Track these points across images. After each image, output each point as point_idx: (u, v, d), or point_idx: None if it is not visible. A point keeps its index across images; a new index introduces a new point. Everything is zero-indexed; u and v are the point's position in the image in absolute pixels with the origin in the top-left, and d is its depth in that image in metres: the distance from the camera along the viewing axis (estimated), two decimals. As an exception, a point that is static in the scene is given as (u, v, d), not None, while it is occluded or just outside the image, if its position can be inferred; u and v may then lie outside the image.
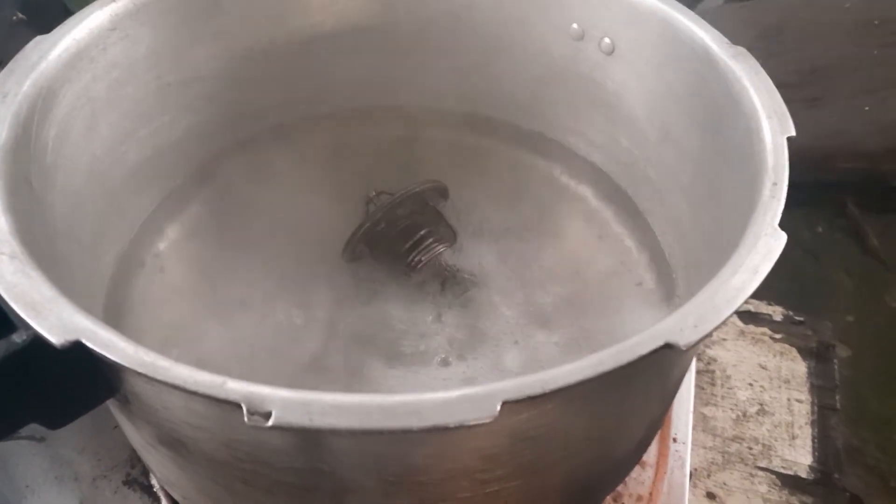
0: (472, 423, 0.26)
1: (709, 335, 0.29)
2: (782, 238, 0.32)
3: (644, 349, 0.28)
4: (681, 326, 0.28)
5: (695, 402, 0.63)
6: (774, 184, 0.35)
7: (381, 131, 0.59)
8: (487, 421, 0.26)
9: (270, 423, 0.26)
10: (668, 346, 0.28)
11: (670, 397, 0.43)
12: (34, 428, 0.49)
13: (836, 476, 0.61)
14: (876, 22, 0.99)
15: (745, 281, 0.31)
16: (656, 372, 0.34)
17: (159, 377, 0.27)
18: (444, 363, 0.45)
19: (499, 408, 0.26)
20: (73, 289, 0.32)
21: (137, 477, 0.49)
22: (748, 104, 0.39)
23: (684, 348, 0.28)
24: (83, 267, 0.45)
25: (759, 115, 0.39)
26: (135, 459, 0.49)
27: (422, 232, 0.50)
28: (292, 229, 0.52)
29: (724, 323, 0.29)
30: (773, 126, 0.38)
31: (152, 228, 0.53)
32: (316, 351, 0.46)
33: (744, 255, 0.32)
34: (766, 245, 0.32)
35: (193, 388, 0.27)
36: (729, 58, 0.42)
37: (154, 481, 0.48)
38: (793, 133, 0.37)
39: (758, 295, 0.78)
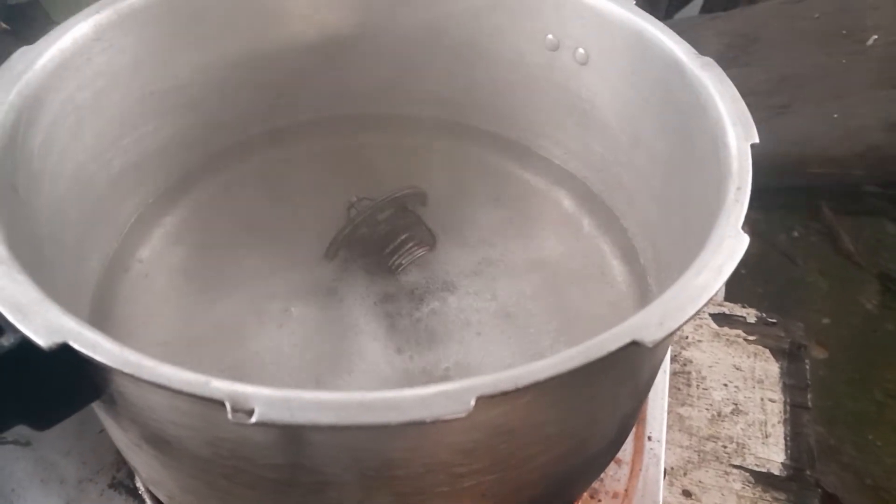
0: (447, 417, 0.27)
1: (674, 333, 0.30)
2: (745, 240, 0.34)
3: (612, 346, 0.29)
4: (647, 324, 0.30)
5: (671, 403, 0.65)
6: (738, 188, 0.36)
7: (361, 139, 0.60)
8: (462, 415, 0.27)
9: (253, 419, 0.27)
10: (634, 344, 0.29)
11: (643, 394, 0.45)
12: (19, 432, 0.50)
13: (808, 473, 0.62)
14: (843, 32, 1.02)
15: (710, 281, 0.32)
16: (626, 368, 0.35)
17: (145, 377, 0.28)
18: (422, 363, 0.46)
19: (473, 403, 0.27)
20: (58, 293, 0.32)
21: (123, 480, 0.49)
22: (714, 112, 0.41)
23: (650, 345, 0.29)
24: (69, 272, 0.46)
25: (725, 122, 0.40)
26: (120, 462, 0.49)
27: (402, 236, 0.51)
28: (275, 235, 0.53)
29: (688, 321, 0.31)
30: (737, 133, 0.39)
31: (137, 234, 0.53)
32: (298, 352, 0.47)
33: (708, 256, 0.33)
34: (729, 246, 0.34)
35: (178, 387, 0.28)
36: (696, 67, 0.43)
37: (139, 484, 0.48)
38: (756, 140, 0.39)
39: (733, 297, 0.80)
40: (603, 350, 0.29)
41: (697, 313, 0.31)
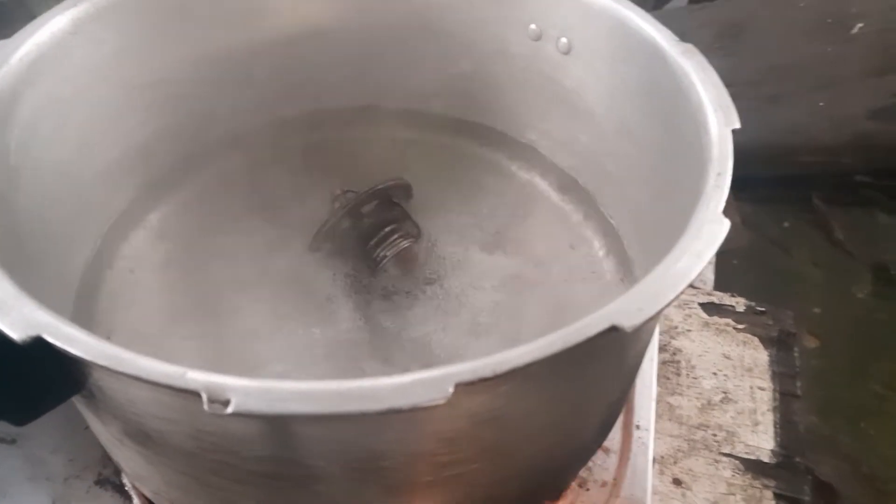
0: (426, 404, 0.27)
1: (653, 318, 0.30)
2: (725, 224, 0.34)
3: (591, 331, 0.29)
4: (626, 309, 0.30)
5: (661, 392, 0.65)
6: (719, 174, 0.36)
7: (346, 132, 0.60)
8: (441, 402, 0.27)
9: (230, 409, 0.26)
10: (614, 329, 0.29)
11: (627, 381, 0.45)
12: (5, 430, 0.50)
13: (798, 460, 0.63)
14: (829, 20, 1.02)
15: (690, 266, 0.32)
16: (607, 354, 0.35)
17: (121, 369, 0.28)
18: (405, 355, 0.46)
19: (451, 390, 0.27)
20: (42, 290, 0.32)
21: (109, 476, 0.49)
22: (696, 98, 0.41)
23: (629, 330, 0.29)
24: (52, 268, 0.46)
25: (706, 108, 0.40)
26: (106, 459, 0.49)
27: (386, 228, 0.51)
28: (260, 229, 0.52)
29: (667, 306, 0.31)
30: (718, 119, 0.39)
31: (122, 230, 0.53)
32: (282, 347, 0.46)
33: (688, 242, 0.33)
34: (710, 232, 0.33)
35: (155, 378, 0.27)
36: (678, 54, 0.43)
37: (126, 480, 0.48)
38: (737, 125, 0.39)
39: (726, 288, 0.79)
40: (582, 335, 0.28)
41: (676, 298, 0.31)
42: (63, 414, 0.33)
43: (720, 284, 0.80)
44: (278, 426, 0.30)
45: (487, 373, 0.28)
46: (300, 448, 0.31)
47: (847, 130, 1.04)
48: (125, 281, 0.51)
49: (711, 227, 0.34)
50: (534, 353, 0.28)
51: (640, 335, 0.37)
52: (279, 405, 0.27)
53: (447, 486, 0.36)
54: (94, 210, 0.51)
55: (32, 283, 0.32)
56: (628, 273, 0.52)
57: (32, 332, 0.28)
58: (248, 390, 0.27)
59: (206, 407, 0.26)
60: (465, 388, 0.27)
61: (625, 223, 0.53)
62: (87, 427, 0.49)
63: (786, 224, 1.21)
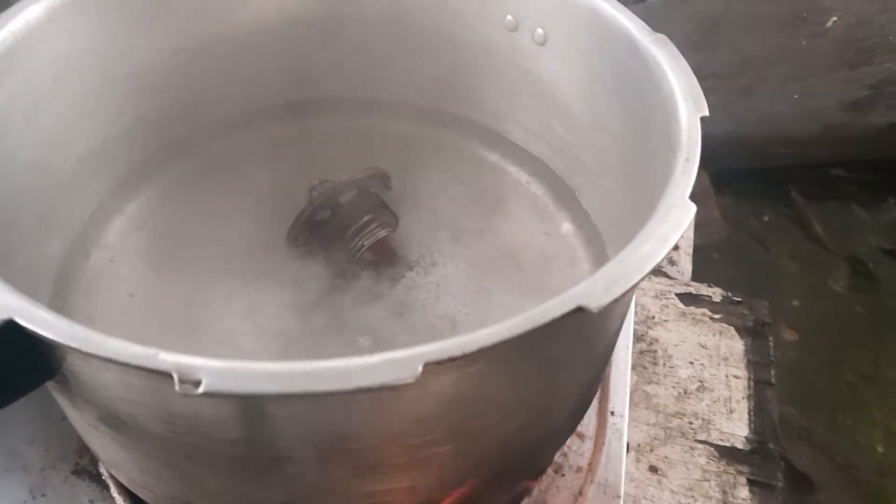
0: (394, 383, 0.27)
1: (619, 299, 0.31)
2: (692, 209, 0.34)
3: (557, 312, 0.29)
4: (592, 291, 0.30)
5: (638, 381, 0.66)
6: (687, 159, 0.37)
7: (325, 122, 0.60)
8: (410, 382, 0.27)
9: (201, 390, 0.27)
10: (580, 310, 0.29)
11: (600, 365, 0.45)
12: (-20, 421, 0.49)
13: (772, 446, 0.64)
14: (804, 14, 1.03)
15: (655, 249, 0.32)
16: (576, 336, 0.35)
17: (93, 351, 0.28)
18: (381, 343, 0.46)
19: (420, 369, 0.27)
20: (19, 279, 0.32)
21: (86, 466, 0.49)
22: (667, 87, 0.41)
23: (595, 311, 0.29)
24: (29, 259, 0.46)
25: (677, 96, 0.40)
26: (83, 449, 0.49)
27: (364, 218, 0.51)
28: (238, 219, 0.53)
29: (633, 288, 0.31)
30: (688, 106, 0.40)
31: (101, 220, 0.53)
32: (258, 335, 0.47)
33: (655, 226, 0.33)
34: (676, 216, 0.34)
35: (126, 360, 0.28)
36: (650, 43, 0.44)
37: (102, 469, 0.48)
38: (706, 113, 0.39)
39: (705, 281, 0.80)
40: (548, 316, 0.29)
41: (642, 280, 0.31)
42: (39, 404, 0.34)
43: (701, 277, 0.81)
44: (249, 407, 0.30)
45: (456, 352, 0.28)
46: (271, 429, 0.32)
47: (818, 122, 1.06)
48: (104, 270, 0.51)
49: (678, 211, 0.34)
50: (502, 334, 0.28)
51: (608, 317, 0.38)
52: (249, 385, 0.27)
53: (420, 467, 0.36)
54: (71, 200, 0.51)
55: (8, 273, 0.32)
56: (603, 259, 0.52)
57: (4, 316, 0.28)
58: (218, 371, 0.27)
59: (177, 388, 0.27)
60: (435, 367, 0.28)
61: (599, 211, 0.53)
62: (64, 417, 0.49)
63: (765, 218, 1.23)
